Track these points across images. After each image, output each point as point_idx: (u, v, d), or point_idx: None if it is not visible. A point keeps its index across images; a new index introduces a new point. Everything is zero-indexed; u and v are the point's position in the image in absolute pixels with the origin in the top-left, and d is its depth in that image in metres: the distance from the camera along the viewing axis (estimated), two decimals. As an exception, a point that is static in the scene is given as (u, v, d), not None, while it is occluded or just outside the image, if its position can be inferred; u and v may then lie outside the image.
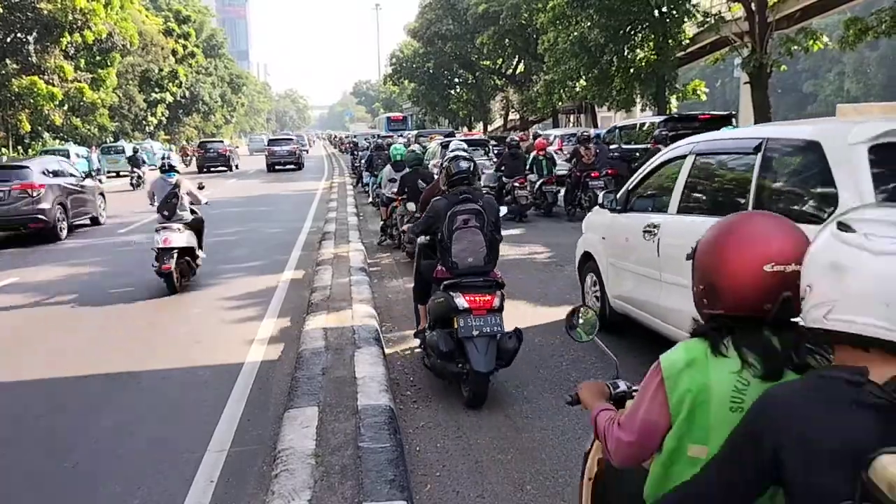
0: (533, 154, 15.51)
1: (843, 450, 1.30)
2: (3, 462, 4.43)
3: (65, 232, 14.74)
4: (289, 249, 12.12)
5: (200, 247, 9.55)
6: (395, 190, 10.88)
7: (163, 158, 9.31)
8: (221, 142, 41.87)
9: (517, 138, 17.84)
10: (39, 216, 13.99)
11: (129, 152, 31.09)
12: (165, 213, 8.95)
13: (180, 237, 8.84)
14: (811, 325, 1.46)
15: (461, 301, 4.88)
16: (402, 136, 28.29)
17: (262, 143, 51.88)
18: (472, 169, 5.41)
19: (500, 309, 4.99)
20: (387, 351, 6.19)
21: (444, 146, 14.99)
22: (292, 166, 36.58)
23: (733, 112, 18.25)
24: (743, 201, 4.46)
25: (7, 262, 11.68)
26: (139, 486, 4.04)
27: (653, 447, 1.78)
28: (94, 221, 16.73)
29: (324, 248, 11.23)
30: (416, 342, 6.05)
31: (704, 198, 5.18)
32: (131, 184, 27.25)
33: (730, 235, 1.70)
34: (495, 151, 19.01)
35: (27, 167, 14.70)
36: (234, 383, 5.65)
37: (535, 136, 22.14)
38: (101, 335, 7.30)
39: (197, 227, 9.41)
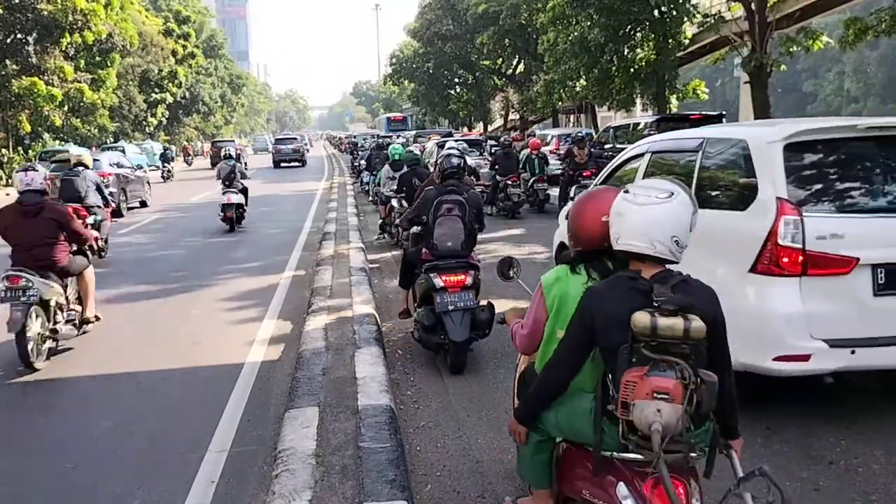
0: (526, 153, 15.81)
1: (623, 316, 2.27)
2: (4, 462, 4.43)
3: (124, 212, 17.89)
4: (289, 250, 12.12)
5: (246, 203, 15.11)
6: (395, 188, 11.09)
7: (227, 154, 15.52)
8: (232, 141, 46.05)
9: (511, 139, 18.33)
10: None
11: (157, 150, 36.59)
12: (226, 182, 14.55)
13: (236, 197, 14.43)
14: (616, 248, 2.49)
15: (438, 280, 5.64)
16: (400, 136, 29.64)
17: (265, 142, 58.76)
18: (461, 165, 6.13)
19: (473, 286, 5.71)
20: (387, 351, 6.19)
21: (441, 146, 15.99)
22: (296, 163, 40.70)
23: (723, 112, 18.67)
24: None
25: (6, 264, 11.64)
26: (139, 487, 4.04)
27: (539, 336, 2.89)
28: (143, 204, 20.78)
29: (324, 249, 11.23)
30: (415, 341, 6.22)
31: None
32: (162, 176, 31.04)
33: (585, 201, 2.85)
34: (491, 151, 19.62)
35: (99, 160, 18.11)
36: (234, 383, 5.65)
37: (531, 136, 22.66)
38: (100, 335, 7.28)
39: (244, 191, 14.96)
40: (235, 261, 11.35)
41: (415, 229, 6.57)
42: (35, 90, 28.13)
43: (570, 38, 25.45)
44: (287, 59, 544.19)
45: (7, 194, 27.49)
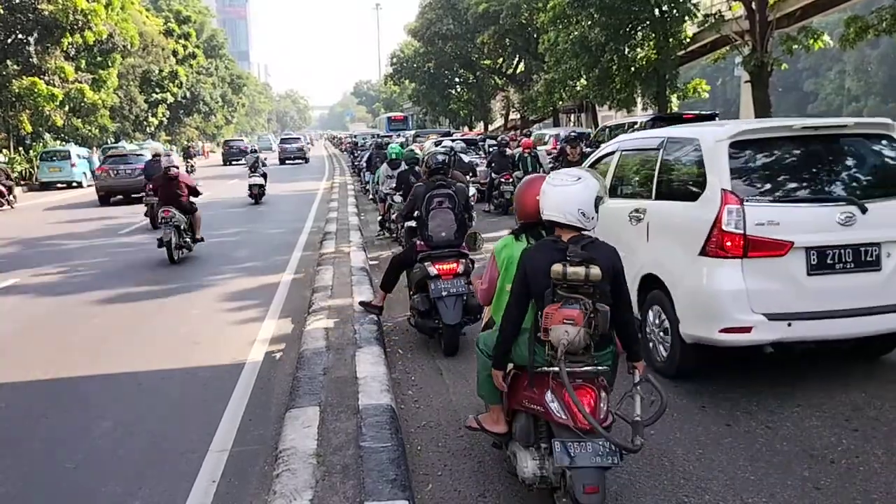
0: (519, 152, 16.06)
1: (546, 268, 3.10)
2: (5, 462, 4.43)
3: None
4: (290, 250, 12.12)
5: (265, 184, 20.53)
6: (393, 186, 11.27)
7: (253, 149, 24.13)
8: (242, 140, 54.34)
9: (507, 138, 19.14)
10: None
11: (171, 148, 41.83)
12: (252, 169, 20.19)
13: (259, 179, 20.13)
14: (544, 219, 3.35)
15: (432, 269, 6.15)
16: (400, 135, 31.13)
17: (269, 142, 63.96)
18: (447, 161, 6.78)
19: (464, 273, 6.16)
20: (388, 351, 6.19)
21: (438, 144, 17.87)
22: (300, 160, 44.62)
23: (716, 112, 19.26)
24: (649, 185, 5.75)
25: (8, 264, 11.69)
26: (140, 487, 4.04)
27: (493, 290, 3.82)
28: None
29: (325, 248, 11.23)
30: (416, 341, 6.42)
31: (625, 183, 6.37)
32: (186, 171, 30.74)
33: (525, 186, 3.78)
34: (488, 150, 20.77)
35: (142, 154, 23.61)
36: (235, 383, 5.65)
37: (525, 136, 24.15)
38: (101, 335, 7.30)
39: (265, 175, 20.64)
40: (236, 260, 11.36)
41: (410, 223, 7.20)
42: (36, 90, 28.12)
43: (570, 37, 25.43)
44: (287, 58, 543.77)
45: (8, 194, 27.52)
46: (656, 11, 23.66)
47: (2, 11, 27.51)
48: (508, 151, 16.48)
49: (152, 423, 4.97)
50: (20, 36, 30.50)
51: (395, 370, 5.75)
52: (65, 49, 30.75)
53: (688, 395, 4.99)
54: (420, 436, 4.54)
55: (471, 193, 8.50)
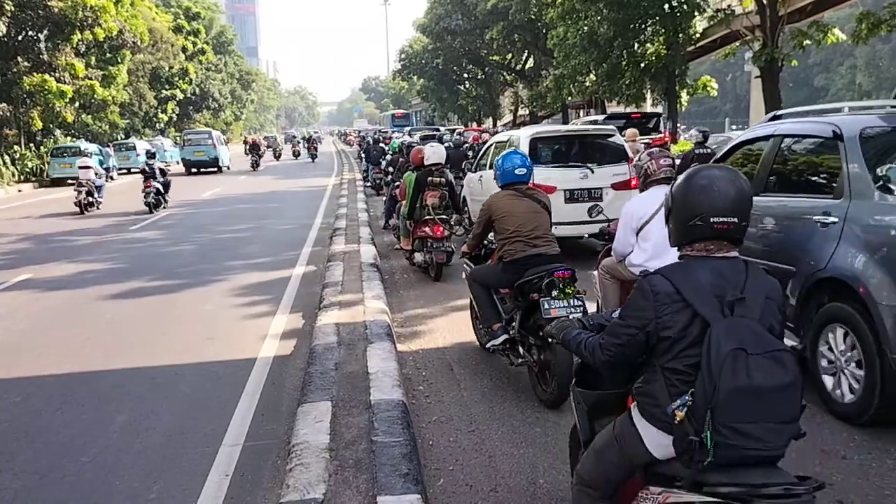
0: (468, 145, 18.50)
1: (423, 180, 9.13)
2: (22, 456, 4.47)
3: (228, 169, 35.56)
4: (300, 245, 12.16)
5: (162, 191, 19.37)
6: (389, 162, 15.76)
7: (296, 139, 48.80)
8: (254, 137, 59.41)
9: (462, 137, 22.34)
10: (218, 162, 34.81)
11: (168, 147, 44.34)
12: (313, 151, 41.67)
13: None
14: (425, 164, 9.29)
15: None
16: (401, 131, 33.80)
17: (275, 139, 66.95)
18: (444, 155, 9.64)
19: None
20: (399, 346, 6.22)
21: (424, 139, 20.35)
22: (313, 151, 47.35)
23: (660, 112, 22.71)
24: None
25: (21, 259, 11.77)
26: (155, 481, 4.08)
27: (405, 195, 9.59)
28: (219, 169, 34.94)
29: (335, 244, 11.26)
30: (427, 337, 6.48)
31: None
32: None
33: (416, 151, 10.08)
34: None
35: (212, 133, 36.47)
36: (247, 378, 5.69)
37: (485, 132, 26.77)
38: (114, 331, 7.35)
39: (297, 154, 46.00)
40: (247, 256, 11.40)
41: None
42: (46, 87, 28.21)
43: (579, 32, 25.37)
44: (296, 55, 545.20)
45: (19, 190, 27.68)
46: (666, 6, 23.59)
47: (12, 8, 27.57)
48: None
49: (166, 418, 5.01)
50: (30, 33, 30.61)
51: (405, 366, 5.77)
52: (75, 46, 30.83)
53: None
54: (431, 431, 4.56)
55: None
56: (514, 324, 5.11)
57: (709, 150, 10.96)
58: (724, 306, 2.13)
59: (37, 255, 12.22)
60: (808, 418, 4.43)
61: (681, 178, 2.36)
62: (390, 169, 15.30)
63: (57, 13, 28.91)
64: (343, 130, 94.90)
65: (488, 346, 5.36)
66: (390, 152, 17.45)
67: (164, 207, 18.34)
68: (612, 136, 10.23)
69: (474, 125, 51.53)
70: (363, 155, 26.93)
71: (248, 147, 40.66)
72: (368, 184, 21.71)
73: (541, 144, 10.02)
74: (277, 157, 46.31)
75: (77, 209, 18.20)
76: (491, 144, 11.59)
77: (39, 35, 30.77)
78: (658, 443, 2.27)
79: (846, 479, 3.75)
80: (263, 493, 3.90)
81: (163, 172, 18.50)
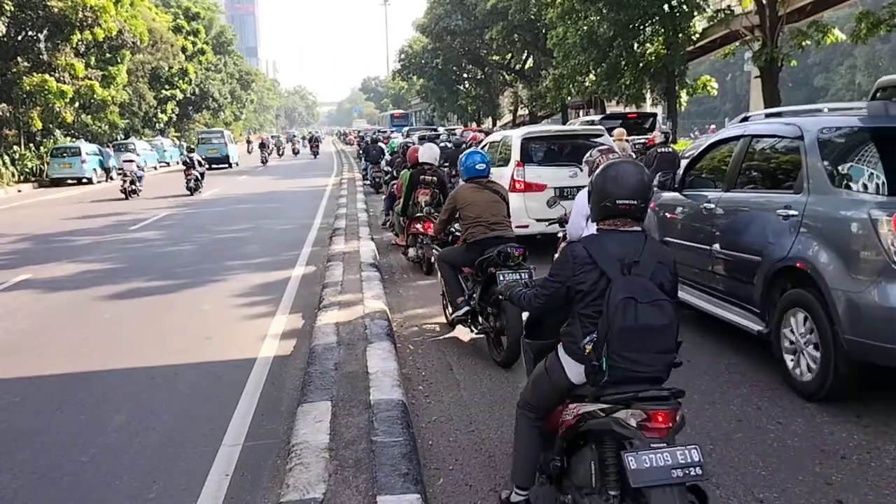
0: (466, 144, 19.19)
1: (416, 178, 9.46)
2: (20, 456, 4.47)
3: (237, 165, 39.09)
4: (299, 246, 12.16)
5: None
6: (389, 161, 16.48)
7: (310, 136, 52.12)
8: (262, 136, 62.61)
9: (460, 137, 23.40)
10: (228, 159, 38.54)
11: (168, 146, 47.17)
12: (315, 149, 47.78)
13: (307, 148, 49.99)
14: (419, 162, 9.66)
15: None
16: (400, 131, 35.28)
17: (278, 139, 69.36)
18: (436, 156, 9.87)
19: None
20: (398, 346, 6.22)
21: (422, 139, 21.65)
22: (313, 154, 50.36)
23: (656, 113, 22.95)
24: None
25: (21, 259, 11.77)
26: (155, 481, 4.08)
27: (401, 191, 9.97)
28: (231, 164, 38.90)
29: (334, 244, 11.26)
30: (427, 337, 6.58)
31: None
32: (273, 156, 44.14)
33: (413, 150, 10.51)
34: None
35: (223, 132, 41.51)
36: (247, 378, 5.69)
37: (480, 132, 28.04)
38: (113, 330, 7.35)
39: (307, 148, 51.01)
40: (246, 256, 11.40)
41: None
42: (46, 87, 28.19)
43: (579, 32, 25.36)
44: (296, 55, 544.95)
45: (19, 190, 27.68)
46: (665, 6, 23.59)
47: (12, 8, 27.56)
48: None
49: (166, 418, 5.01)
50: (30, 33, 30.60)
51: (405, 365, 5.77)
52: (74, 46, 30.81)
53: (698, 392, 4.99)
54: (431, 430, 4.56)
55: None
56: (475, 296, 6.03)
57: (670, 150, 11.91)
58: (624, 267, 2.77)
59: (37, 255, 12.23)
60: (807, 419, 4.45)
61: (598, 170, 3.01)
62: (387, 168, 16.35)
63: (57, 13, 28.90)
64: (342, 130, 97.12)
65: (452, 317, 6.31)
66: (389, 152, 19.01)
67: (201, 192, 22.73)
68: (600, 136, 10.50)
69: (474, 125, 51.54)
70: (362, 154, 27.79)
71: (258, 145, 47.79)
72: (367, 182, 22.49)
73: (532, 144, 10.42)
74: (281, 154, 51.02)
75: (122, 195, 22.30)
76: (485, 144, 12.11)
77: (39, 35, 30.76)
78: (576, 371, 2.92)
79: (846, 478, 3.75)
80: (263, 492, 3.90)
81: (200, 163, 23.12)
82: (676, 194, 6.63)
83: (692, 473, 2.49)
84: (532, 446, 3.24)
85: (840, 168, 4.78)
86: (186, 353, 6.45)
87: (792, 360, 4.92)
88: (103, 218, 17.27)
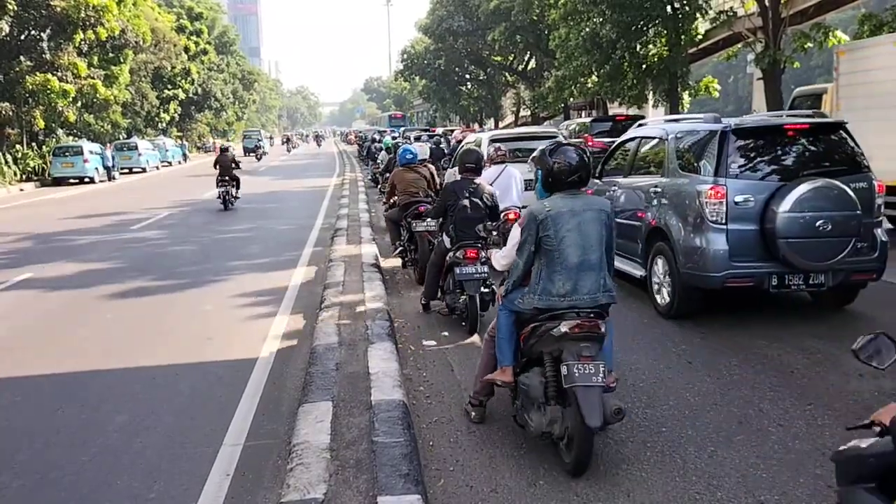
0: (453, 143, 19.33)
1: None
2: (21, 455, 4.47)
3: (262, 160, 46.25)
4: (301, 246, 12.16)
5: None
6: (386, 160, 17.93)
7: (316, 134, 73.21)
8: (258, 132, 68.38)
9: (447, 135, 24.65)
10: (262, 149, 50.26)
11: (170, 146, 47.51)
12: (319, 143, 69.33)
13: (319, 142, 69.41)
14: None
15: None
16: (397, 131, 35.58)
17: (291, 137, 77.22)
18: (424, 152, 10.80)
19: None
20: (399, 346, 6.21)
21: (416, 138, 22.49)
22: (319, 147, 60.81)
23: (643, 115, 23.78)
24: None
25: (22, 258, 11.78)
26: (155, 480, 4.08)
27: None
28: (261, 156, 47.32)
29: (336, 245, 11.26)
30: (427, 337, 6.55)
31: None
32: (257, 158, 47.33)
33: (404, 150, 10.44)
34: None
35: (260, 131, 67.49)
36: (248, 378, 5.69)
37: (468, 130, 29.11)
38: (115, 330, 7.35)
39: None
40: (247, 256, 11.40)
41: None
42: (49, 86, 28.21)
43: (581, 34, 25.32)
44: (298, 55, 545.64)
45: (21, 189, 27.70)
46: (668, 8, 23.53)
47: (15, 8, 27.59)
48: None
49: (166, 418, 5.01)
50: (33, 32, 30.63)
51: (406, 366, 5.77)
52: (77, 45, 30.82)
53: (699, 393, 4.99)
54: (432, 431, 4.56)
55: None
56: (404, 241, 9.31)
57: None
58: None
59: (38, 254, 12.24)
60: (809, 421, 4.45)
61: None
62: (380, 165, 18.89)
63: (60, 13, 28.91)
64: (343, 131, 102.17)
65: (395, 254, 9.61)
66: (384, 149, 20.40)
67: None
68: (555, 136, 12.44)
69: (476, 126, 51.55)
70: (363, 153, 30.36)
71: (283, 139, 68.22)
72: (369, 177, 24.58)
73: (498, 144, 11.43)
74: (289, 150, 60.51)
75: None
76: (464, 145, 13.08)
77: (42, 34, 30.78)
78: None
79: (847, 481, 3.74)
80: (264, 492, 3.90)
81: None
82: (597, 181, 8.58)
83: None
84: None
85: (685, 158, 7.00)
86: (188, 354, 6.45)
87: (658, 293, 7.06)
88: (105, 217, 17.27)
